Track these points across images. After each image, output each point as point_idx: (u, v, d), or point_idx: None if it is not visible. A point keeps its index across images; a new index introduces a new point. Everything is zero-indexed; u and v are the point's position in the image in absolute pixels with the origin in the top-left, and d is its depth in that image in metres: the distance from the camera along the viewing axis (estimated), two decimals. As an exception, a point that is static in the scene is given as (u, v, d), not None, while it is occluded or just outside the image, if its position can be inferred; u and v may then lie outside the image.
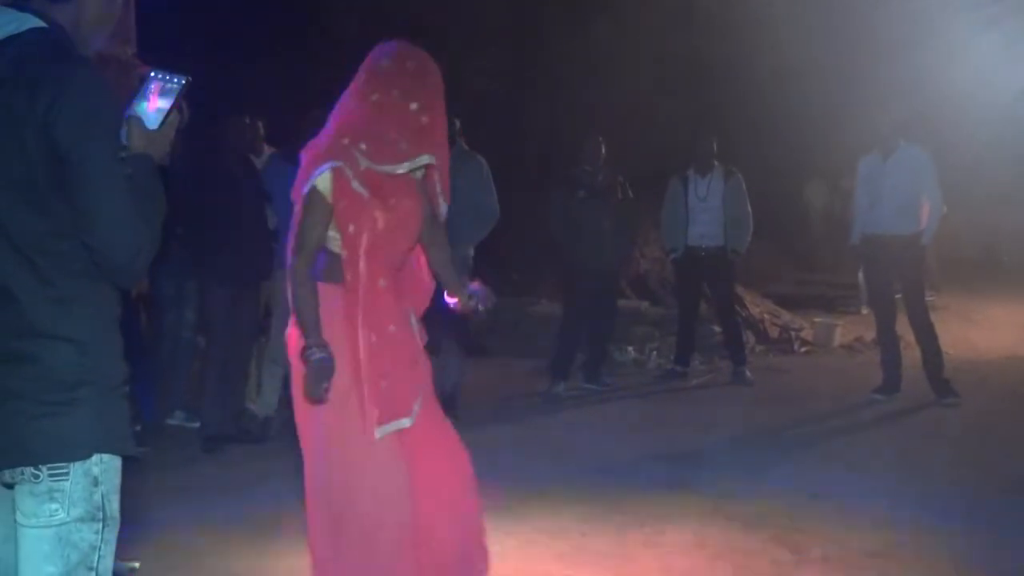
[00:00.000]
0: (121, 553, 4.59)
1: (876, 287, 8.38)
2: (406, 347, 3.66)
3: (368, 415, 3.49)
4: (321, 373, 3.40)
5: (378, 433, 3.50)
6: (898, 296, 8.26)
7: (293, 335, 3.59)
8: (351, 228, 3.52)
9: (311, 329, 3.47)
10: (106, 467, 2.40)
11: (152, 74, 2.54)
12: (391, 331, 3.57)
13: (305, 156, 3.62)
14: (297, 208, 3.62)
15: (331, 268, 3.59)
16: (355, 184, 3.49)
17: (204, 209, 6.63)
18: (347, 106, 3.65)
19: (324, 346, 3.44)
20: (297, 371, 3.59)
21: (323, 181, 3.51)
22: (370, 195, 3.51)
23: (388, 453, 3.55)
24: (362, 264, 3.53)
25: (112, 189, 2.31)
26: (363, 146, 3.50)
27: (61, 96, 2.27)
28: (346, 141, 3.52)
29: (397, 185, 3.59)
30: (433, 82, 3.68)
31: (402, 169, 3.56)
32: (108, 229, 2.31)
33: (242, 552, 4.82)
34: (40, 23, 2.37)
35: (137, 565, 4.52)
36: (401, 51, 3.69)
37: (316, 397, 3.42)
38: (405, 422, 3.58)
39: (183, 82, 2.54)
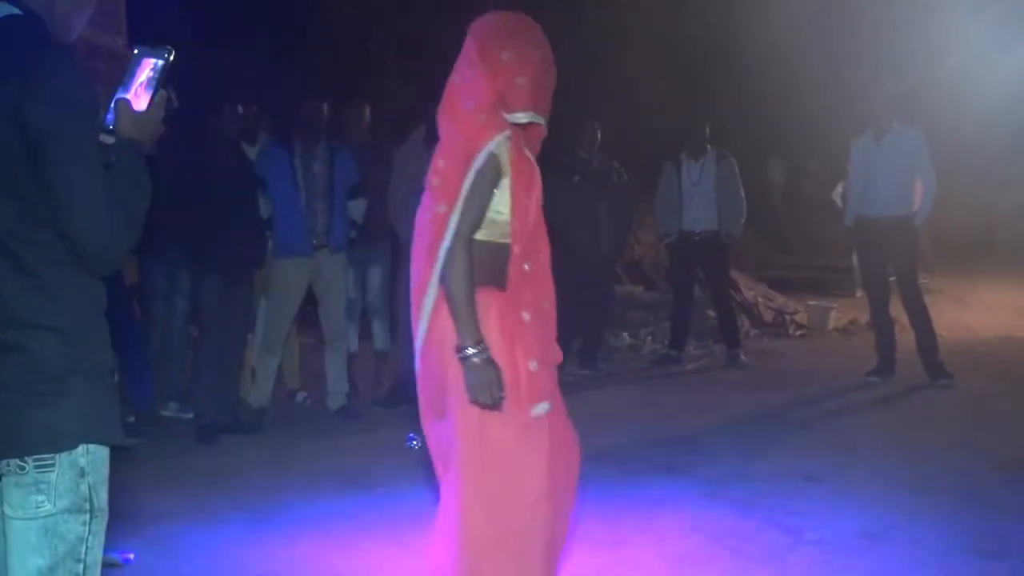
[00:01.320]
0: (116, 544, 4.60)
1: (870, 269, 8.38)
2: (547, 328, 3.49)
3: (526, 394, 3.29)
4: (489, 377, 3.18)
5: (533, 412, 3.32)
6: (892, 279, 8.26)
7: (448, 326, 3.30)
8: (525, 198, 3.32)
9: (470, 325, 3.20)
10: (93, 458, 2.38)
11: (135, 52, 2.50)
12: (545, 308, 3.43)
13: (457, 134, 3.35)
14: (454, 190, 3.26)
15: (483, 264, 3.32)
16: (526, 150, 3.35)
17: (194, 198, 6.62)
18: (474, 72, 3.37)
19: (483, 343, 3.20)
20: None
21: (503, 151, 3.26)
22: (532, 159, 3.38)
23: (541, 433, 3.39)
24: (530, 234, 3.36)
25: (86, 174, 2.28)
26: (510, 105, 3.32)
27: (32, 79, 2.25)
28: (494, 106, 3.31)
29: (533, 146, 3.44)
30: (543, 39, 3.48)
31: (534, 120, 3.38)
32: (82, 215, 2.28)
33: (237, 542, 4.82)
34: (13, 10, 2.34)
35: (132, 556, 4.51)
36: (510, 12, 3.58)
37: (491, 403, 3.20)
38: (546, 405, 3.39)
39: (167, 55, 2.49)
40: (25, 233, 2.30)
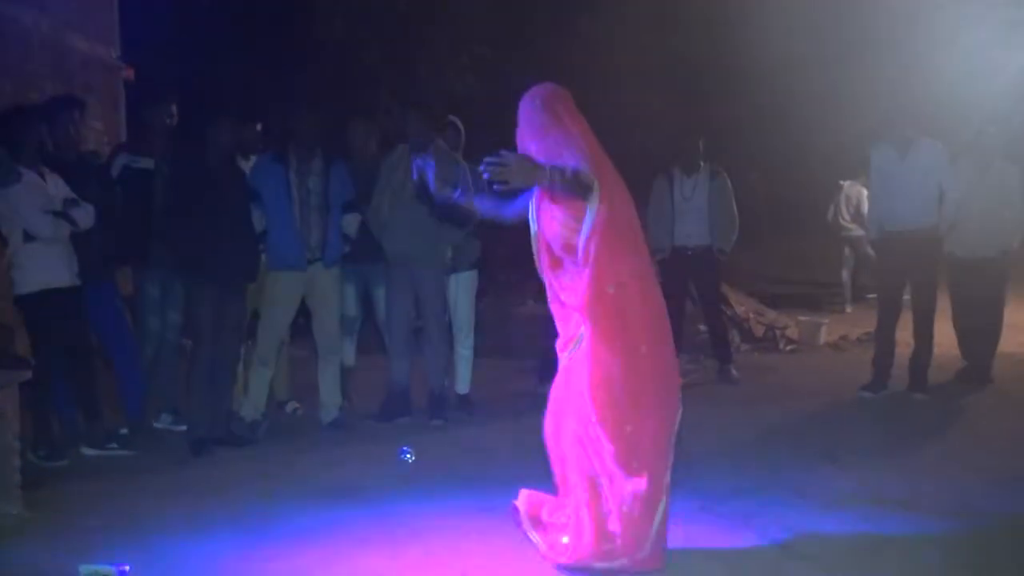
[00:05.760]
0: (111, 556, 4.61)
1: (888, 282, 8.38)
2: None
3: None
4: None
5: None
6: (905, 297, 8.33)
7: None
8: None
9: None
10: None
11: None
12: None
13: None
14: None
15: None
16: None
17: (189, 210, 6.63)
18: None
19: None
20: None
21: None
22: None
23: None
24: None
25: None
26: None
27: None
28: None
29: None
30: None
31: None
32: None
33: (231, 554, 4.81)
34: None
35: (127, 568, 4.51)
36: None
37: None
38: None
39: None
40: None
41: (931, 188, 7.97)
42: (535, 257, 4.72)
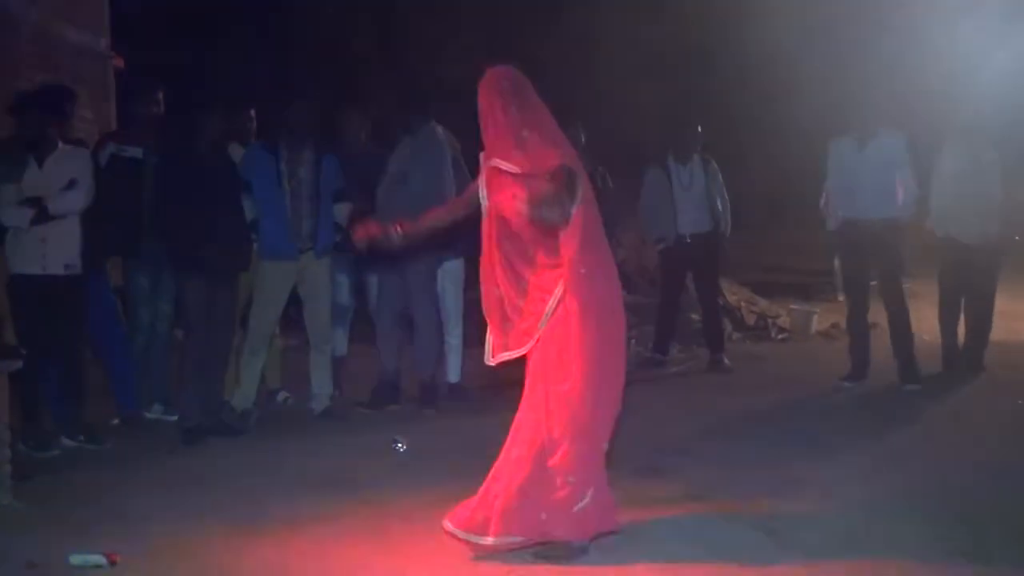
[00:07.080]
0: (101, 545, 4.60)
1: (852, 273, 8.40)
2: None
3: None
4: None
5: None
6: (873, 283, 8.31)
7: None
8: None
9: None
10: None
11: None
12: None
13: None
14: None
15: None
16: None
17: (179, 200, 6.60)
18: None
19: None
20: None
21: None
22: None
23: None
24: None
25: None
26: None
27: None
28: None
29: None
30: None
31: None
32: None
33: (223, 544, 4.81)
34: None
35: (117, 558, 4.50)
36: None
37: None
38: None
39: None
40: None
41: (891, 179, 7.96)
42: (485, 233, 4.66)
